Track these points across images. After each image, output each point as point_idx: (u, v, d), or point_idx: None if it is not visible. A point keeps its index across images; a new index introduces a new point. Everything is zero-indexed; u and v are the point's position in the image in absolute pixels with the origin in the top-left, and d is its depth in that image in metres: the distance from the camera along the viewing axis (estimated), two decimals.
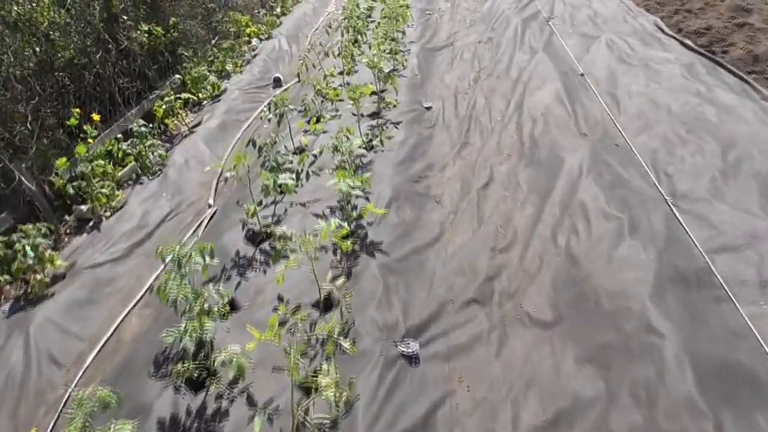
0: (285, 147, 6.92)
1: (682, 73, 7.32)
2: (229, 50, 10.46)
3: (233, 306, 4.53)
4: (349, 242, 4.81)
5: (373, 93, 7.87)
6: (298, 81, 9.53)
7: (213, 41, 10.37)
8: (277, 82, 9.95)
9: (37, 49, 6.54)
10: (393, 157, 6.41)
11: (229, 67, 10.22)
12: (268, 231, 5.17)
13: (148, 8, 8.75)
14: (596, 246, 4.72)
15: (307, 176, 5.96)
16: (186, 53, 9.11)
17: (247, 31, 11.46)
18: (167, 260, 4.03)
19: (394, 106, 7.60)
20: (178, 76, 8.85)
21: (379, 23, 10.19)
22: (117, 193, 6.36)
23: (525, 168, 6.02)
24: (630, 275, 4.32)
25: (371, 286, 4.54)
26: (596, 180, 5.47)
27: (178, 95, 8.18)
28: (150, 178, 6.91)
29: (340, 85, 8.72)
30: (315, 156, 6.10)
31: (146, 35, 8.09)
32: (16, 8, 6.54)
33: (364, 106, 7.73)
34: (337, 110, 7.78)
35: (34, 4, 6.91)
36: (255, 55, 11.15)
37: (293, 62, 11.16)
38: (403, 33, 10.21)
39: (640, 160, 5.73)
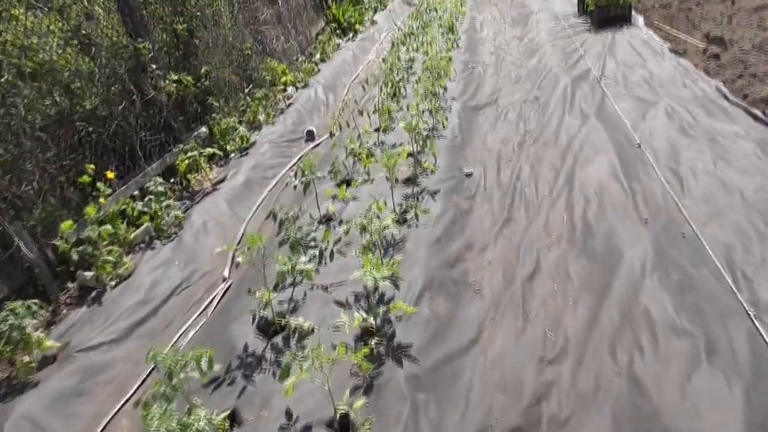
0: (310, 215, 6.37)
1: (754, 151, 6.55)
2: (263, 99, 10.10)
3: (234, 419, 3.89)
4: (372, 344, 4.17)
5: (410, 155, 7.31)
6: (331, 136, 9.06)
7: (246, 90, 10.03)
8: (310, 136, 9.52)
9: (57, 98, 6.19)
10: (428, 234, 5.78)
11: (261, 117, 9.85)
12: (282, 323, 4.56)
13: (182, 55, 8.45)
14: (665, 370, 3.95)
15: (332, 255, 5.36)
16: (216, 103, 8.74)
17: (283, 79, 11.14)
18: (158, 365, 3.45)
19: (432, 171, 7.01)
20: (204, 129, 8.44)
21: (419, 78, 9.72)
22: (125, 260, 5.86)
23: (577, 257, 5.31)
24: (711, 418, 3.53)
25: (396, 405, 3.85)
26: (662, 280, 4.71)
27: (202, 150, 7.75)
28: (163, 242, 6.42)
29: (375, 145, 8.20)
30: (345, 231, 5.49)
31: (175, 85, 7.74)
32: (41, 55, 6.24)
33: (399, 170, 7.16)
34: (368, 174, 7.22)
35: (60, 52, 6.62)
36: (290, 105, 10.80)
37: (329, 113, 10.76)
38: (445, 89, 9.69)
39: (711, 256, 4.96)
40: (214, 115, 8.67)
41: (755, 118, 7.51)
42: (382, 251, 5.39)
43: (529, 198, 6.50)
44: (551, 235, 5.73)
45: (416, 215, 5.95)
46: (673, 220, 5.53)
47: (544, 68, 10.79)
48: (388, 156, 5.72)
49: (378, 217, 4.98)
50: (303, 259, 4.66)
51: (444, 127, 8.47)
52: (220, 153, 8.39)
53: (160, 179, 6.89)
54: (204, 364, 3.48)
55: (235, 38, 10.06)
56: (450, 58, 11.65)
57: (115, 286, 5.63)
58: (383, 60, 10.42)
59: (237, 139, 8.74)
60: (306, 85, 11.72)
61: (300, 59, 12.73)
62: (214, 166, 8.42)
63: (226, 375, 4.24)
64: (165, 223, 6.54)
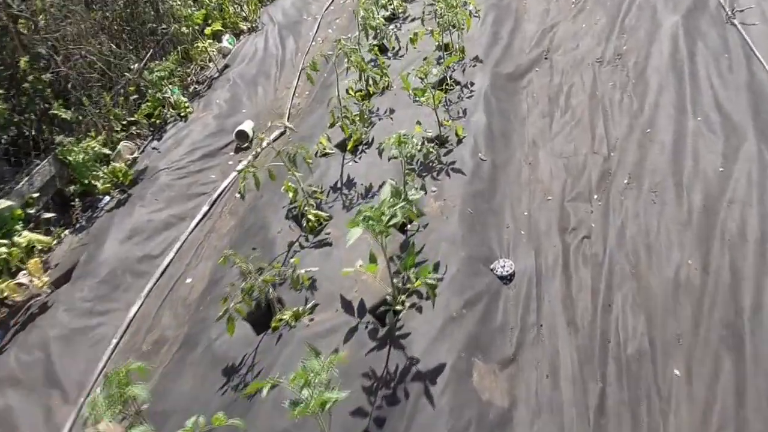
0: None
1: None
2: (172, 73, 6.32)
3: None
4: None
5: (400, 224, 3.72)
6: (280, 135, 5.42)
7: (141, 63, 6.20)
8: (242, 139, 5.88)
9: None
10: None
11: (172, 99, 6.16)
12: None
13: None
14: None
15: None
16: (63, 114, 5.05)
17: (209, 29, 7.18)
18: None
19: (432, 292, 3.40)
20: (44, 166, 4.80)
21: (416, 34, 5.68)
22: None
23: None
24: None
25: None
26: None
27: (15, 235, 4.27)
28: None
29: (334, 190, 4.55)
30: None
31: None
32: None
33: (365, 283, 3.66)
34: (313, 286, 3.72)
35: None
36: (225, 68, 7.00)
37: (285, 76, 6.94)
38: (462, 51, 5.72)
39: None
40: (62, 138, 5.02)
41: None
42: None
43: (643, 380, 2.98)
44: None
45: None
46: None
47: None
48: (304, 377, 2.27)
49: None
50: None
51: (459, 138, 4.71)
52: (54, 225, 4.86)
53: None
54: None
55: None
56: None
57: None
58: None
59: (107, 174, 5.17)
60: (254, 28, 7.76)
61: None
62: (64, 233, 4.98)
63: None
64: None
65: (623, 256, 3.62)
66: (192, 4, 6.86)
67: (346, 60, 4.80)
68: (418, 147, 3.72)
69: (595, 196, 4.14)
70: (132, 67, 6.06)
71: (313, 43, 7.53)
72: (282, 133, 5.80)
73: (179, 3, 6.84)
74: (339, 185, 4.59)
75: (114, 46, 5.93)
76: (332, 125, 4.82)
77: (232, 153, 5.81)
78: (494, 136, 4.84)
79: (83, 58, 5.46)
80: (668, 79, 4.87)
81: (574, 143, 4.69)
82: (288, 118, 6.11)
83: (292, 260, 3.68)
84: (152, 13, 6.62)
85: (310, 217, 4.19)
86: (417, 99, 4.57)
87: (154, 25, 6.58)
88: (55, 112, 4.99)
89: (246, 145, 5.83)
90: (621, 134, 4.58)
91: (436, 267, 3.66)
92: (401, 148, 3.71)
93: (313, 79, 4.83)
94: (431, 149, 3.74)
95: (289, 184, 4.37)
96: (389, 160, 3.95)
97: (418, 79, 4.70)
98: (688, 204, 3.76)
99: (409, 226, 4.05)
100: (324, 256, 3.94)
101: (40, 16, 5.06)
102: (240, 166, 5.01)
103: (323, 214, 4.23)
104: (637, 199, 3.97)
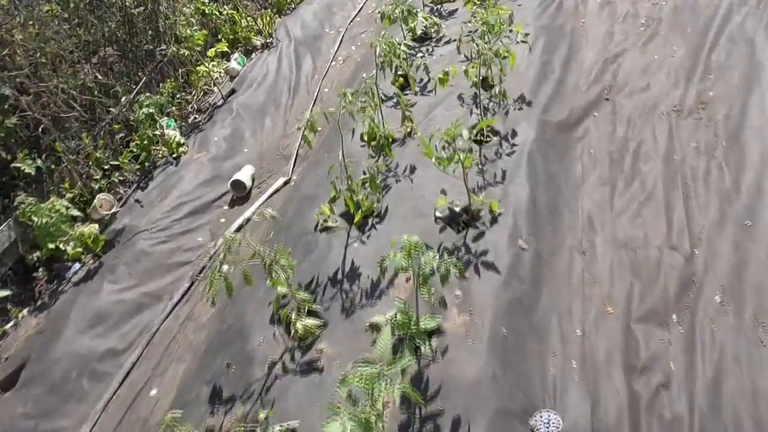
0: None
1: None
2: (162, 107, 5.47)
3: None
4: None
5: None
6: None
7: (133, 93, 5.37)
8: (239, 190, 5.00)
9: None
10: None
11: (167, 134, 5.35)
12: None
13: None
14: None
15: None
16: (26, 167, 4.26)
17: (213, 51, 6.29)
18: None
19: None
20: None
21: (445, 73, 4.62)
22: None
23: None
24: None
25: None
26: None
27: None
28: None
29: (332, 283, 3.62)
30: None
31: None
32: None
33: None
34: None
35: None
36: (230, 94, 6.13)
37: (298, 104, 6.03)
38: (503, 94, 4.67)
39: None
40: (23, 197, 4.23)
41: None
42: None
43: None
44: None
45: None
46: None
47: (711, 2, 5.37)
48: None
49: None
50: None
51: (494, 215, 3.71)
52: (10, 303, 4.12)
53: None
54: None
55: None
56: None
57: None
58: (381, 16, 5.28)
59: (76, 242, 4.37)
60: (268, 44, 6.86)
61: None
62: (22, 313, 4.22)
63: None
64: None
65: (720, 430, 2.58)
66: (194, 22, 5.96)
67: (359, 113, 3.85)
68: (435, 261, 2.74)
69: (674, 317, 3.09)
70: (120, 99, 5.23)
71: (333, 63, 6.58)
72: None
73: (182, 20, 5.98)
74: (340, 275, 3.66)
75: (99, 75, 5.10)
76: (334, 199, 3.87)
77: (225, 207, 4.95)
78: (539, 212, 3.82)
79: (56, 95, 4.65)
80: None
81: (644, 229, 3.63)
82: (295, 162, 5.21)
83: (261, 415, 2.77)
84: (150, 32, 5.78)
85: (298, 327, 3.28)
86: (443, 169, 3.57)
87: (152, 47, 5.74)
88: (19, 165, 4.21)
89: (245, 196, 4.97)
90: (709, 222, 3.50)
91: (455, 426, 2.72)
92: (411, 262, 2.74)
93: (311, 142, 3.88)
94: (455, 264, 2.75)
95: (276, 277, 3.45)
96: (397, 273, 3.00)
97: (446, 142, 3.70)
98: None
99: (422, 348, 3.09)
100: (311, 390, 3.03)
101: (6, 50, 4.26)
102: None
103: (313, 324, 3.31)
104: (737, 333, 2.90)
